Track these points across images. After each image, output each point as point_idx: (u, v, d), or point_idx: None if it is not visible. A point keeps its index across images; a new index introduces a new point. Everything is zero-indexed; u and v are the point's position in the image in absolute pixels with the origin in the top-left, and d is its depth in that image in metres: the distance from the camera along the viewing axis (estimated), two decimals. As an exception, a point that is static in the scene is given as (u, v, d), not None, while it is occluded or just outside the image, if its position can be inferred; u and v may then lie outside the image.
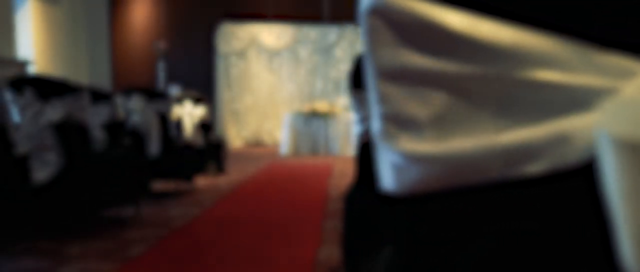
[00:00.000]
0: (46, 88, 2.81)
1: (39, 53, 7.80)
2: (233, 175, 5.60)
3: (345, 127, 7.83)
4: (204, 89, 7.81)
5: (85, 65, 9.33)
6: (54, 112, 2.77)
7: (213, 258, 2.54)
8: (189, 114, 5.04)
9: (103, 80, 9.18)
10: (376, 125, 0.47)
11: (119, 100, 4.06)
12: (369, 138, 1.80)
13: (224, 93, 9.60)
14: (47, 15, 8.23)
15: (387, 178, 0.49)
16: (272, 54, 9.60)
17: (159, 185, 4.30)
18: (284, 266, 2.40)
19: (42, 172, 2.84)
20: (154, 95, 4.05)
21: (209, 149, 5.24)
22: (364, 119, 1.73)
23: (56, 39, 8.48)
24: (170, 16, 9.61)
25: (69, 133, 2.86)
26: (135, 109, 3.93)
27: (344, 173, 5.71)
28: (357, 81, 1.70)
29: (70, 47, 8.89)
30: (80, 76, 8.38)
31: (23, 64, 6.70)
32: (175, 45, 9.42)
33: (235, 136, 9.60)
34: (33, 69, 7.16)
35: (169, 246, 2.77)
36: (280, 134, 9.47)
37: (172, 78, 9.26)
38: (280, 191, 4.60)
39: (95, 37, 9.51)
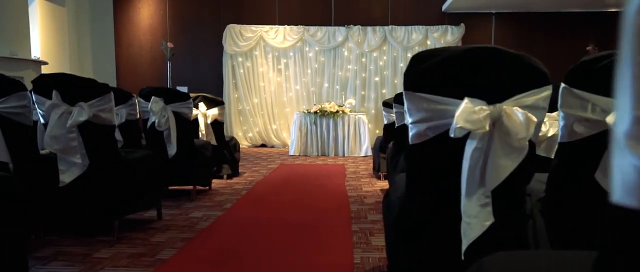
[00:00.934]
0: (73, 89, 2.75)
1: (45, 53, 7.74)
2: (246, 175, 5.56)
3: (355, 128, 7.78)
4: (210, 89, 7.73)
5: (90, 65, 9.26)
6: (81, 113, 2.71)
7: (245, 261, 2.49)
8: (203, 114, 4.99)
9: (108, 80, 9.08)
10: (622, 128, 0.43)
11: (137, 100, 4.01)
12: (421, 140, 1.75)
13: (230, 93, 9.55)
14: (53, 15, 8.16)
15: (624, 186, 0.44)
16: (279, 54, 9.55)
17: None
18: (323, 271, 2.35)
19: (67, 173, 2.79)
20: (174, 96, 3.99)
21: (224, 151, 5.18)
22: (418, 122, 1.68)
23: (62, 39, 8.41)
24: (177, 17, 9.55)
25: (95, 134, 2.81)
26: (153, 110, 3.88)
27: (359, 175, 5.66)
28: (412, 82, 1.64)
29: (75, 48, 8.82)
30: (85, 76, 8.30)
31: (40, 64, 6.65)
32: (182, 46, 9.36)
33: (241, 137, 9.55)
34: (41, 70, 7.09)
35: (198, 248, 2.73)
36: (286, 135, 9.41)
37: (178, 79, 9.21)
38: (298, 192, 4.55)
39: (101, 37, 9.44)
